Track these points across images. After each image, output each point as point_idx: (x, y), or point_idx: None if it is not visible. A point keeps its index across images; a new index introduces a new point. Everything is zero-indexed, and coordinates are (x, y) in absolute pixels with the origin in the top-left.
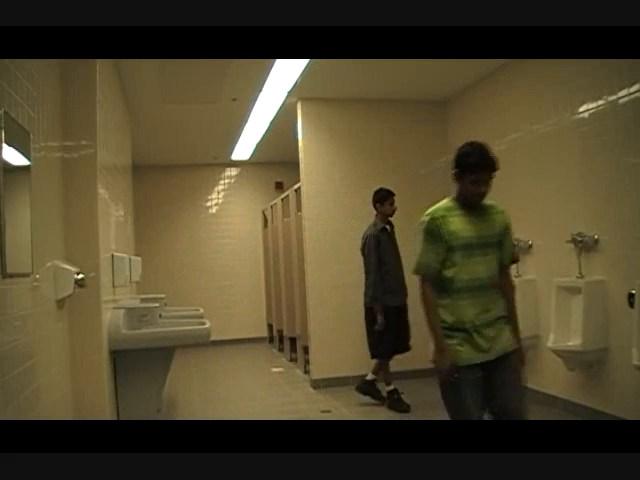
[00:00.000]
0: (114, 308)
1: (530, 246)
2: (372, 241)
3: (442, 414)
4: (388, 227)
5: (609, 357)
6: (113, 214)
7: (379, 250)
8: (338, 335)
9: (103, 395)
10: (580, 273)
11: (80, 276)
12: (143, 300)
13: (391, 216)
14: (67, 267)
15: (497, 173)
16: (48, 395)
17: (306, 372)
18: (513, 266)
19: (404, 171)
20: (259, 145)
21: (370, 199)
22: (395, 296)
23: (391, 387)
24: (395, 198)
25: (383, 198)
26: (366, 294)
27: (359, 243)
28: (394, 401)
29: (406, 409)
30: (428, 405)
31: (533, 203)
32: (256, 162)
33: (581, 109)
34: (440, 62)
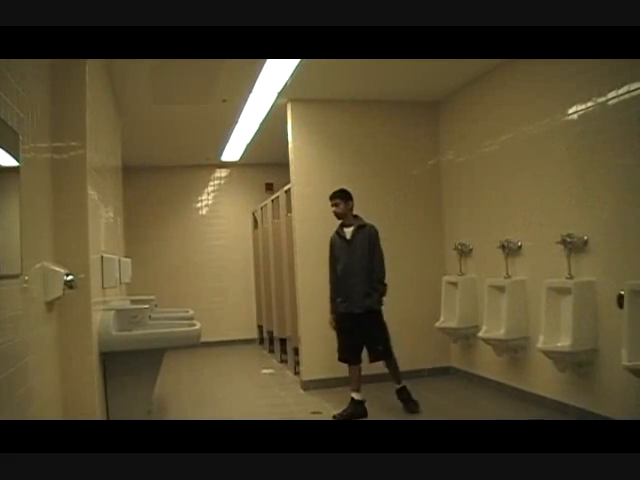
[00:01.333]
0: (104, 310)
1: (520, 247)
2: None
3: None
4: (343, 230)
5: (599, 358)
6: (103, 215)
7: (330, 253)
8: (328, 336)
9: (93, 397)
10: (570, 274)
11: (69, 277)
12: (133, 301)
13: (337, 218)
14: (56, 269)
15: (487, 174)
16: (38, 397)
17: (296, 373)
18: (503, 267)
19: (395, 172)
20: (249, 146)
21: (360, 201)
22: (342, 302)
23: (354, 395)
24: (331, 201)
25: None
26: None
27: None
28: (348, 408)
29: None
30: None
31: (523, 204)
32: (246, 163)
33: (571, 110)
34: (431, 63)
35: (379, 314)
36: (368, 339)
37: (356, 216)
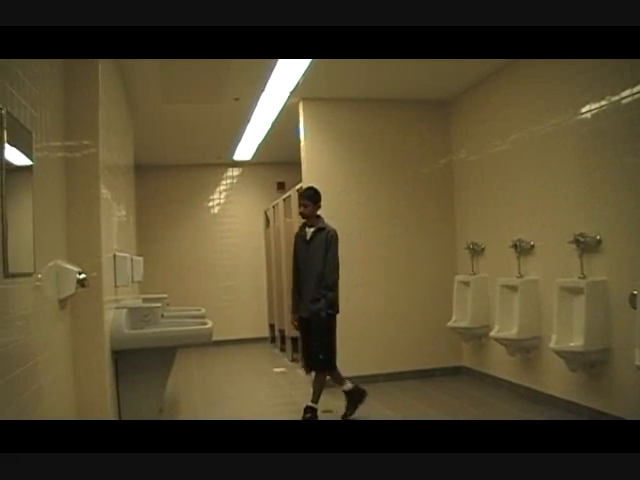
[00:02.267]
0: (116, 308)
1: (532, 246)
2: None
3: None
4: (305, 230)
5: (611, 358)
6: (115, 214)
7: (293, 252)
8: (339, 335)
9: (105, 395)
10: (582, 273)
11: (82, 276)
12: (145, 300)
13: (302, 218)
14: (69, 267)
15: (499, 173)
16: (50, 395)
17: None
18: (515, 266)
19: (406, 171)
20: (261, 145)
21: (370, 199)
22: (302, 305)
23: (344, 388)
24: (299, 200)
25: None
26: None
27: (359, 243)
28: (349, 403)
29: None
30: None
31: (535, 203)
32: (258, 162)
33: (583, 109)
34: (442, 62)
35: (325, 321)
36: (311, 345)
37: (318, 216)
